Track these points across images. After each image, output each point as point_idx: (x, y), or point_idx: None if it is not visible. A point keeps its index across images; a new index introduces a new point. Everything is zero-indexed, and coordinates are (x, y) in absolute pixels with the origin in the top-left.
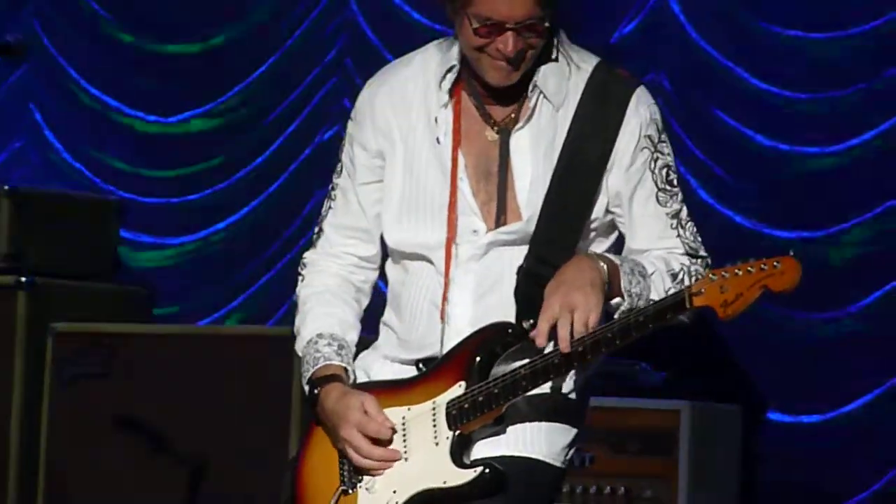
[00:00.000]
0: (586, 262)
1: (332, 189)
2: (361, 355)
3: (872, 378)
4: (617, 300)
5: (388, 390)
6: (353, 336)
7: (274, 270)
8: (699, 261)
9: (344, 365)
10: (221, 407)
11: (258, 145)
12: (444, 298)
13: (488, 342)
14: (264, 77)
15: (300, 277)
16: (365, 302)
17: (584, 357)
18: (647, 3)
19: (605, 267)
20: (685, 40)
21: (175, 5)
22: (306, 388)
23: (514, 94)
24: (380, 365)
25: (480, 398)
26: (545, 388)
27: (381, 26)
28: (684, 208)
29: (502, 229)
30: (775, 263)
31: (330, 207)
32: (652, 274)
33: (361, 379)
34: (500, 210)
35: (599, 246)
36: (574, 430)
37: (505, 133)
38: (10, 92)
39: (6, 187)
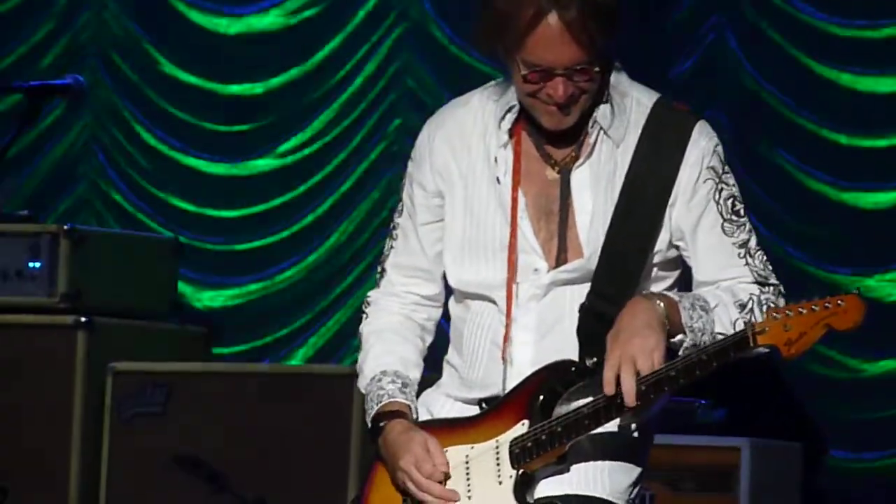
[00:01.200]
0: (641, 304)
1: (394, 229)
2: (424, 393)
3: None
4: (679, 337)
5: (451, 429)
6: (415, 374)
7: (337, 311)
8: (770, 289)
9: (408, 402)
10: (281, 446)
11: (322, 186)
12: (506, 338)
13: (551, 381)
14: (327, 117)
15: (364, 316)
16: (429, 340)
17: (648, 396)
18: (704, 40)
19: (662, 304)
20: (743, 77)
21: (236, 47)
22: (370, 423)
23: (574, 133)
24: (441, 403)
25: (543, 437)
26: (609, 426)
27: (440, 67)
28: (753, 238)
29: (563, 268)
30: (839, 302)
31: (392, 247)
32: (715, 307)
33: (423, 417)
34: (561, 248)
35: (663, 282)
36: (638, 469)
37: (566, 171)
38: (73, 133)
39: (66, 227)
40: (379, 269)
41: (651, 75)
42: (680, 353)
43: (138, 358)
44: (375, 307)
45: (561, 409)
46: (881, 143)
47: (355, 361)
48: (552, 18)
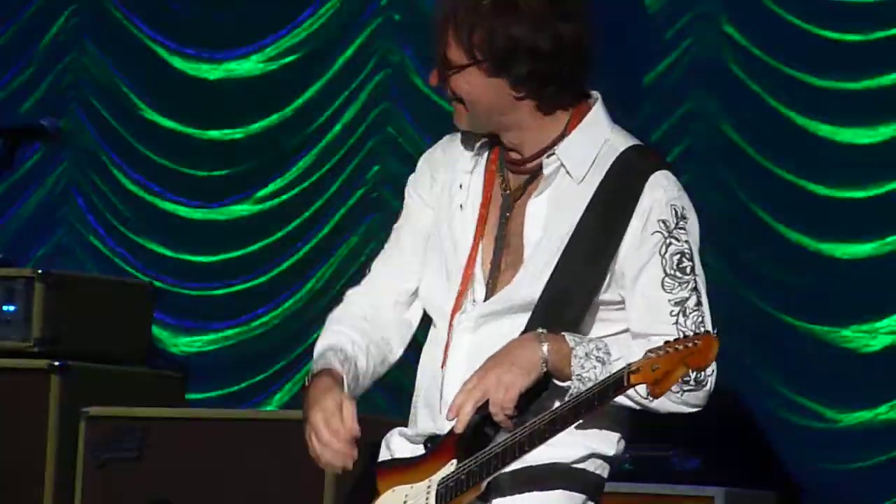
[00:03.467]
0: (523, 341)
1: (391, 234)
2: (390, 433)
3: None
4: (567, 383)
5: (399, 468)
6: (362, 360)
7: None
8: None
9: (343, 372)
10: (255, 492)
11: (300, 232)
12: (443, 367)
13: (478, 419)
14: (306, 163)
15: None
16: (393, 349)
17: (544, 436)
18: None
19: (546, 348)
20: (723, 128)
21: (216, 92)
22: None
23: (531, 162)
24: (397, 442)
25: (463, 476)
26: (530, 461)
27: (420, 114)
28: (694, 296)
29: (490, 300)
30: (696, 342)
31: (383, 249)
32: (617, 360)
33: (384, 456)
34: (501, 281)
35: (608, 327)
36: (580, 497)
37: (523, 202)
38: (52, 178)
39: (40, 271)
40: (367, 270)
41: (628, 126)
42: (566, 398)
43: (113, 403)
44: (346, 301)
45: (489, 447)
46: (858, 194)
47: None
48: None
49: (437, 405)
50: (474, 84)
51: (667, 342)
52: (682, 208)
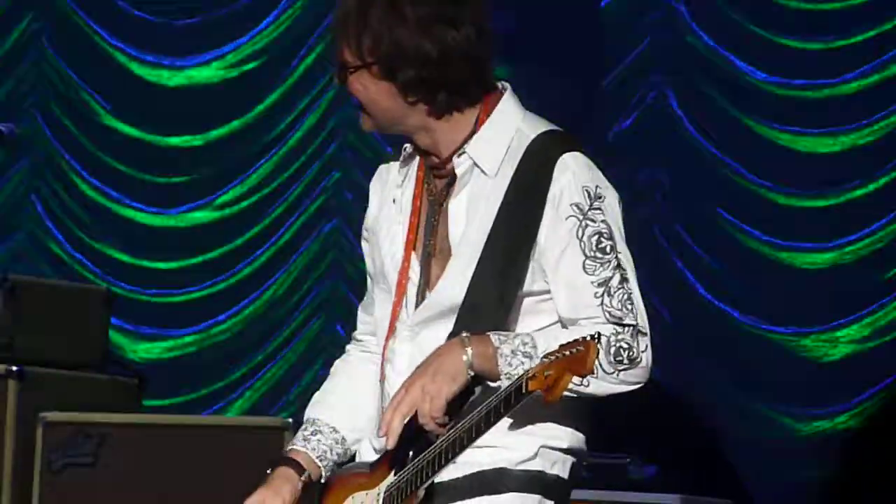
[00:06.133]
0: (446, 349)
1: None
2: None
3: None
4: (497, 383)
5: (357, 474)
6: (344, 422)
7: (273, 363)
8: (626, 329)
9: (305, 450)
10: (212, 498)
11: (260, 239)
12: (382, 379)
13: (413, 428)
14: (266, 170)
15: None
16: None
17: (464, 443)
18: (644, 99)
19: (470, 351)
20: (683, 136)
21: (176, 99)
22: None
23: (446, 163)
24: (364, 448)
25: (402, 485)
26: (484, 464)
27: None
28: (618, 274)
29: (423, 305)
30: (578, 348)
31: (365, 291)
32: (543, 351)
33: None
34: (423, 287)
35: (540, 320)
36: (533, 498)
37: (443, 204)
38: (11, 183)
39: None
40: None
41: (590, 133)
42: (493, 397)
43: (69, 408)
44: (343, 355)
45: (420, 457)
46: (819, 203)
47: (290, 414)
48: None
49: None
50: (367, 86)
51: (561, 345)
52: (596, 187)
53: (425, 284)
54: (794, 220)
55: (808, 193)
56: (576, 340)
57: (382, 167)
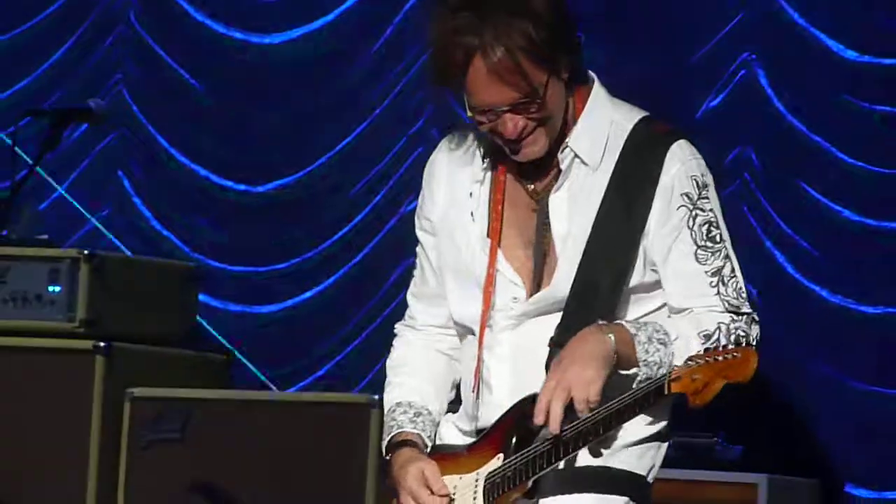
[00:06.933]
0: (589, 335)
1: (416, 259)
2: (443, 419)
3: None
4: (634, 370)
5: (450, 456)
6: (434, 405)
7: (358, 340)
8: (742, 318)
9: (417, 432)
10: (298, 473)
11: (345, 215)
12: (477, 371)
13: (526, 415)
14: (351, 146)
15: (392, 349)
16: (459, 367)
17: (589, 437)
18: (734, 77)
19: (613, 337)
20: (773, 114)
21: (263, 74)
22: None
23: (550, 157)
24: (447, 430)
25: (510, 473)
26: (582, 460)
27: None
28: (728, 264)
29: (531, 299)
30: (735, 354)
31: (413, 277)
32: (675, 339)
33: (437, 443)
34: (537, 279)
35: (643, 308)
36: (622, 499)
37: (544, 198)
38: (98, 159)
39: (85, 252)
40: (406, 300)
41: (678, 112)
42: (633, 385)
43: (156, 384)
44: (399, 339)
45: (533, 444)
46: None
47: (373, 390)
48: (478, 62)
49: (478, 402)
50: (555, 93)
51: (707, 350)
52: (702, 175)
53: (537, 277)
54: (885, 199)
55: None
56: (732, 346)
57: (439, 159)
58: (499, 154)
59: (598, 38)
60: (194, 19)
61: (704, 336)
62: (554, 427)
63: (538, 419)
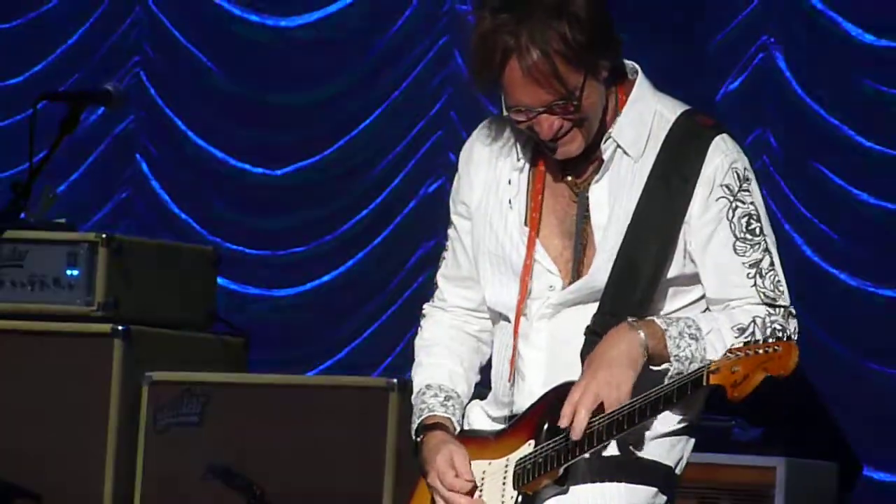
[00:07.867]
0: (619, 335)
1: (447, 240)
2: (471, 404)
3: None
4: (665, 366)
5: (479, 441)
6: (462, 387)
7: (377, 324)
8: (779, 311)
9: (448, 416)
10: (316, 457)
11: (364, 198)
12: (513, 358)
13: (558, 402)
14: (370, 129)
15: (420, 329)
16: (487, 350)
17: (611, 433)
18: (753, 60)
19: (643, 335)
20: (791, 98)
21: (280, 57)
22: (413, 437)
23: (592, 149)
24: (476, 415)
25: (541, 459)
26: (612, 450)
27: None
28: (767, 257)
29: (569, 288)
30: (776, 347)
31: (443, 258)
32: (708, 333)
33: (462, 426)
34: (577, 268)
35: (680, 301)
36: (649, 490)
37: (584, 188)
38: (116, 142)
39: (104, 236)
40: (434, 281)
41: (698, 95)
42: (666, 380)
43: (175, 368)
44: (428, 320)
45: (565, 432)
46: None
47: (392, 373)
48: (514, 64)
49: (508, 386)
50: (593, 92)
51: (746, 343)
52: (744, 169)
53: (577, 267)
54: None
55: None
56: (773, 340)
57: (479, 144)
58: (538, 144)
59: (618, 23)
60: (211, 2)
61: (739, 330)
62: (576, 434)
63: (563, 423)
